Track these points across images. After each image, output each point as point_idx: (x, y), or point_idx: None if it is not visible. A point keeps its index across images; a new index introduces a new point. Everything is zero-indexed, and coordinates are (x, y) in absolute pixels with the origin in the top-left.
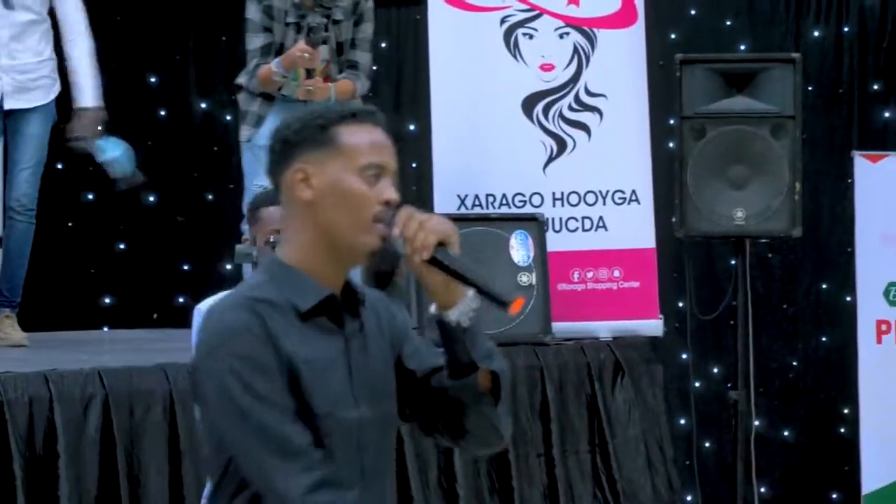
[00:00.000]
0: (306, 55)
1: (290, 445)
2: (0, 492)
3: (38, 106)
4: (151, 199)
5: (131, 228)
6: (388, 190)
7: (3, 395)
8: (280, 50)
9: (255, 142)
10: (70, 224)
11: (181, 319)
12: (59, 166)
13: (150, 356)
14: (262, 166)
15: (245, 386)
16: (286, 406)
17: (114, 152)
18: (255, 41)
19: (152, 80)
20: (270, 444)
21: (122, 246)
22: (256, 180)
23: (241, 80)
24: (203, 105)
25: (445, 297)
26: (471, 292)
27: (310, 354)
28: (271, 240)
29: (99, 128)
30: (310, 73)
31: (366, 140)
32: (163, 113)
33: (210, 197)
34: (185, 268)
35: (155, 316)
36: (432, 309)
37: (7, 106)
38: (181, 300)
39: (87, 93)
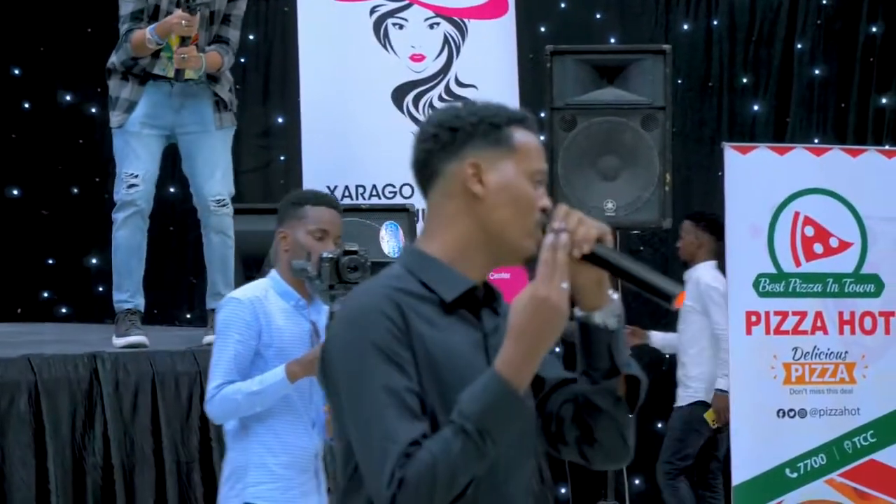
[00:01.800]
0: (184, 23)
1: (398, 438)
2: None
3: None
4: (15, 192)
5: None
6: (545, 197)
7: None
8: (154, 14)
9: (127, 128)
10: None
11: (46, 314)
12: None
13: (15, 349)
14: (133, 153)
15: (375, 377)
16: (409, 406)
17: None
18: (126, 6)
19: (16, 71)
20: (381, 436)
21: None
22: (125, 168)
23: (114, 58)
24: (68, 97)
25: (593, 299)
26: (616, 295)
27: (452, 346)
28: (324, 255)
29: None
30: (184, 41)
31: (534, 146)
32: (27, 105)
33: (75, 190)
34: (50, 262)
35: (19, 310)
36: (577, 311)
37: None
38: (46, 295)
39: None
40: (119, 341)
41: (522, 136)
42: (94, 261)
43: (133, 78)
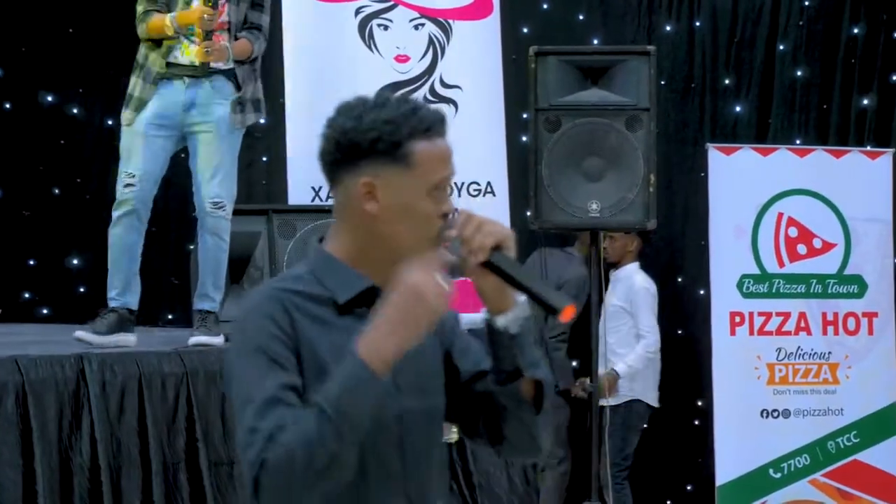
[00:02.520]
0: (206, 16)
1: (264, 426)
2: None
3: None
4: None
5: None
6: (447, 202)
7: None
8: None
9: (135, 127)
10: None
11: (27, 314)
12: None
13: (0, 349)
14: (135, 152)
15: (252, 373)
16: (282, 399)
17: None
18: None
19: None
20: (250, 426)
21: None
22: (125, 167)
23: (141, 48)
24: (49, 98)
25: (497, 303)
26: (522, 300)
27: (342, 343)
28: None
29: None
30: (208, 34)
31: (437, 157)
32: (8, 106)
33: (56, 191)
34: (31, 263)
35: (0, 311)
36: (483, 313)
37: None
38: (27, 295)
39: None
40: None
41: (424, 149)
42: (75, 261)
43: (147, 76)
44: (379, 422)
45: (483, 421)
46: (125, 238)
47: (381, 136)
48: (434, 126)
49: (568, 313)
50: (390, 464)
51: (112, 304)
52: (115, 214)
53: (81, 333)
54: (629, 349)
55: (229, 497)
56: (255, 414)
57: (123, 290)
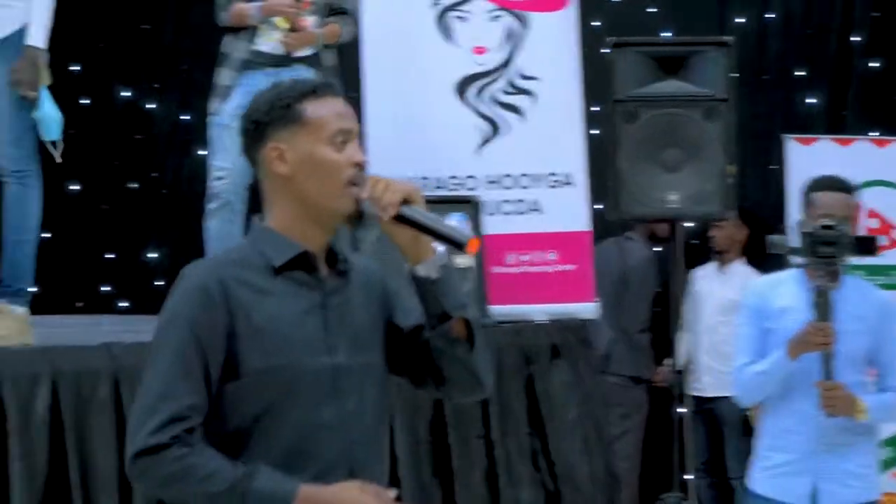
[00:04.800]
0: (292, 10)
1: (168, 396)
2: None
3: None
4: (75, 187)
5: (55, 217)
6: (356, 153)
7: None
8: None
9: (220, 119)
10: None
11: (106, 307)
12: None
13: (91, 337)
14: (222, 145)
15: (171, 344)
16: (195, 374)
17: (51, 110)
18: None
19: (74, 68)
20: (158, 393)
21: (46, 235)
22: (213, 159)
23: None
24: (125, 93)
25: (415, 253)
26: (441, 248)
27: (278, 312)
28: (804, 230)
29: (39, 73)
30: (293, 28)
31: (329, 111)
32: (85, 101)
33: (133, 185)
34: (109, 256)
35: (79, 304)
36: (406, 266)
37: None
38: (105, 288)
39: (33, 30)
40: None
41: (314, 107)
42: (151, 255)
43: (231, 64)
44: (307, 380)
45: (427, 368)
46: (222, 230)
47: (272, 105)
48: (320, 88)
49: (473, 246)
50: (328, 418)
51: None
52: (208, 207)
53: None
54: None
55: None
56: (156, 427)
57: None
